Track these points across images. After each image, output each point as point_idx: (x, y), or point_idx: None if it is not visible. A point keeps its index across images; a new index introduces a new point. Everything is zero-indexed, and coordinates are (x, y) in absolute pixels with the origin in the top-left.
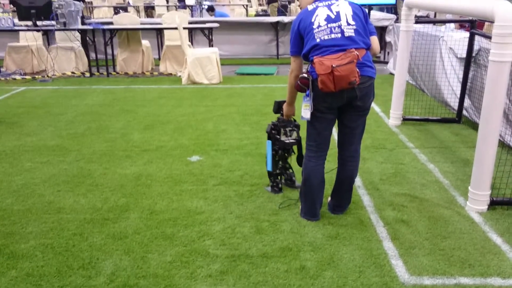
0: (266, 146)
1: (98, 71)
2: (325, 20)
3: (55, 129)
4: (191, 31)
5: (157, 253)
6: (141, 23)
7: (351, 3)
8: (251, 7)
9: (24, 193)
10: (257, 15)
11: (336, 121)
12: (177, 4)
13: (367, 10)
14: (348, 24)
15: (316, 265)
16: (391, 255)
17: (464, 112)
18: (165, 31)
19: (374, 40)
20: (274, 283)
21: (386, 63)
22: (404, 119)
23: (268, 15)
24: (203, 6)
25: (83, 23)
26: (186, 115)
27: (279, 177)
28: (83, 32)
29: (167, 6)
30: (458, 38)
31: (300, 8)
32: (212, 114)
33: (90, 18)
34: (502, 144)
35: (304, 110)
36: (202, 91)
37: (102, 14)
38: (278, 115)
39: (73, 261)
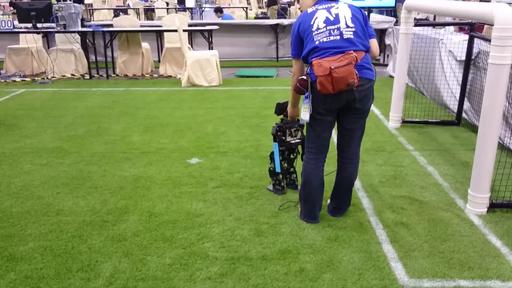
0: (274, 148)
1: (98, 73)
2: (324, 22)
3: (54, 131)
4: (191, 33)
5: (156, 255)
6: (141, 26)
7: (350, 6)
8: (251, 9)
9: (23, 195)
10: (256, 17)
11: (336, 123)
12: (177, 6)
13: (366, 13)
14: (347, 26)
15: (316, 268)
16: (391, 257)
17: (464, 114)
18: (165, 34)
19: (374, 43)
20: (274, 286)
21: (386, 65)
22: (404, 122)
23: (268, 18)
24: (202, 8)
25: (83, 25)
26: (186, 117)
27: (281, 176)
28: (83, 34)
29: (167, 9)
30: (457, 41)
31: (301, 11)
32: (212, 116)
33: (90, 20)
34: (501, 146)
35: (303, 112)
36: (202, 93)
37: (102, 17)
38: (281, 116)
39: (72, 263)
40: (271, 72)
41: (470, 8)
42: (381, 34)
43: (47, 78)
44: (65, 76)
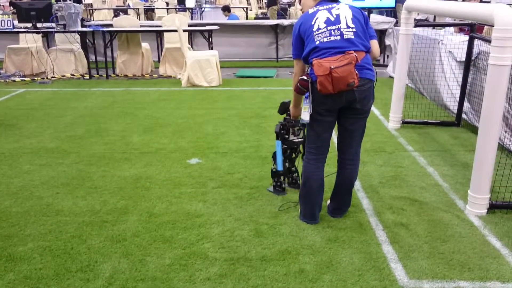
0: (276, 146)
1: (97, 73)
2: (325, 23)
3: (54, 131)
4: (191, 33)
5: (155, 256)
6: (141, 26)
7: (351, 7)
8: (251, 10)
9: (23, 195)
10: (256, 18)
11: (336, 124)
12: (177, 6)
13: (366, 13)
14: (348, 27)
15: (315, 269)
16: (390, 258)
17: (464, 115)
18: (165, 34)
19: (374, 44)
20: (273, 287)
21: (386, 66)
22: (404, 122)
23: (268, 18)
24: (202, 8)
25: (83, 25)
26: (186, 118)
27: (282, 177)
28: (83, 34)
29: (167, 9)
30: (457, 42)
31: (302, 13)
32: (212, 117)
33: (90, 20)
34: (501, 147)
35: (303, 113)
36: (202, 93)
37: (102, 17)
38: (284, 115)
39: (72, 263)
40: (271, 72)
41: (470, 9)
42: (381, 34)
43: (47, 78)
44: (64, 76)
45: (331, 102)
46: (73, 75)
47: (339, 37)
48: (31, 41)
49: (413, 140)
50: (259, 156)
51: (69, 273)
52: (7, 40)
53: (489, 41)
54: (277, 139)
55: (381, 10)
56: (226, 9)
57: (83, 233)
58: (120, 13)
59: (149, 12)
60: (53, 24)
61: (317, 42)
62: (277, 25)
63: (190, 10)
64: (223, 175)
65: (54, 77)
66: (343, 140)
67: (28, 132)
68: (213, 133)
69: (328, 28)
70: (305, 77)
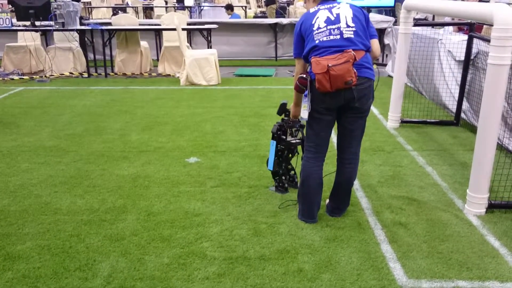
0: (270, 145)
1: (96, 72)
2: (325, 22)
3: (52, 130)
4: (189, 32)
5: (154, 255)
6: (140, 24)
7: (352, 6)
8: (249, 8)
9: (21, 194)
10: (255, 16)
11: (336, 123)
12: (176, 5)
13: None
14: (348, 26)
15: (314, 268)
16: (389, 257)
17: (462, 115)
18: (164, 32)
19: (375, 43)
20: (272, 286)
21: (385, 65)
22: (402, 122)
23: (267, 17)
24: (201, 7)
25: (81, 24)
26: (184, 117)
27: (283, 177)
28: (81, 33)
29: (166, 7)
30: (456, 41)
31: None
32: (210, 116)
33: (88, 18)
34: (500, 147)
35: (303, 111)
36: (201, 92)
37: (100, 15)
38: (282, 116)
39: (70, 262)
40: (270, 71)
41: (470, 8)
42: (380, 33)
43: (45, 76)
44: (63, 74)
45: (329, 100)
46: (72, 73)
47: (338, 36)
48: (29, 39)
49: (412, 139)
50: (258, 155)
51: (68, 272)
52: (6, 38)
53: (488, 41)
54: (273, 139)
55: (380, 9)
56: (229, 7)
57: (82, 232)
58: (119, 11)
59: (148, 11)
60: (52, 22)
61: (317, 41)
62: (276, 24)
63: (189, 9)
64: (221, 174)
65: (53, 75)
66: (343, 140)
67: (26, 131)
68: (212, 132)
69: (328, 27)
70: (304, 75)
